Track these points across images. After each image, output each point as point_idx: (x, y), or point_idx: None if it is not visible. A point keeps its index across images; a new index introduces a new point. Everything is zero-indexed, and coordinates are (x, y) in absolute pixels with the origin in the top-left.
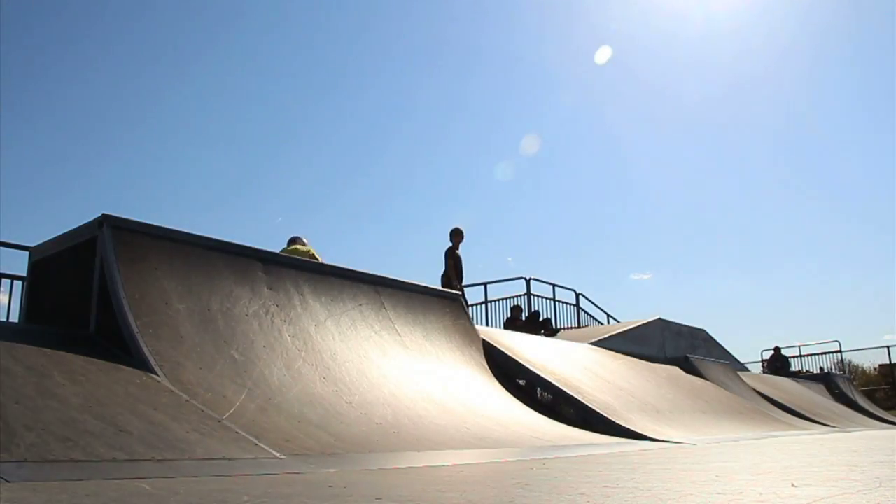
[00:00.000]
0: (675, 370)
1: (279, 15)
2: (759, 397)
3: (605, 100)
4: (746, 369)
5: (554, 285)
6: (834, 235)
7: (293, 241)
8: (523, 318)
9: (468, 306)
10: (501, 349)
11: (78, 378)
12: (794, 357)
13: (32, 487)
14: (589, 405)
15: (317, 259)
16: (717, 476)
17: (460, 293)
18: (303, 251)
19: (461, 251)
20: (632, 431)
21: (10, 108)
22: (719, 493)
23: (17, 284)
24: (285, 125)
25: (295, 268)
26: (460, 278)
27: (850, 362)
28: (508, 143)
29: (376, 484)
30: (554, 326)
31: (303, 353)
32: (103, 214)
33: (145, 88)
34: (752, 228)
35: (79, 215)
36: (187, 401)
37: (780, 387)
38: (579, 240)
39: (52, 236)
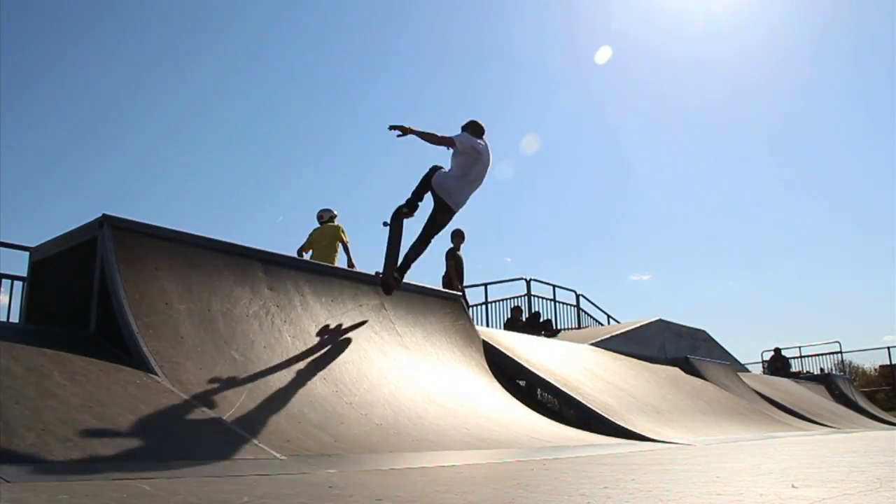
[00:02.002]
0: (676, 371)
1: (280, 15)
2: (759, 398)
3: (605, 100)
4: (747, 370)
5: (554, 286)
6: (834, 236)
7: (320, 215)
8: (524, 319)
9: (468, 307)
10: (502, 350)
11: (78, 378)
12: (794, 358)
13: (33, 488)
14: (589, 406)
15: (339, 234)
16: (717, 477)
17: (461, 294)
18: (327, 229)
19: (462, 252)
20: (632, 432)
21: (10, 108)
22: (720, 494)
23: (18, 285)
24: (286, 125)
25: (295, 268)
26: (461, 279)
27: (850, 363)
28: (508, 143)
29: (377, 485)
30: (554, 327)
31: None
32: (103, 215)
33: (145, 89)
34: (752, 229)
35: (79, 215)
36: (187, 401)
37: (781, 388)
38: (579, 240)
39: (53, 237)
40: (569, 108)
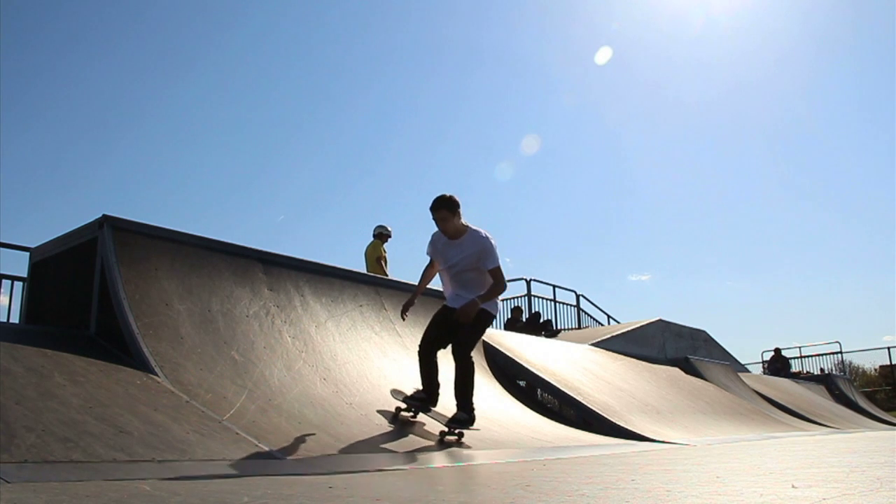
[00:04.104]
0: (676, 371)
1: (280, 15)
2: (759, 398)
3: (605, 100)
4: (747, 370)
5: (554, 286)
6: (834, 236)
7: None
8: (524, 320)
9: None
10: (502, 350)
11: (78, 379)
12: (794, 358)
13: (33, 488)
14: (589, 406)
15: (374, 257)
16: (717, 477)
17: None
18: (369, 246)
19: None
20: (632, 432)
21: (10, 109)
22: (720, 494)
23: (18, 285)
24: (286, 125)
25: (295, 269)
26: None
27: (850, 363)
28: (508, 143)
29: (377, 484)
30: (554, 327)
31: (303, 354)
32: (104, 215)
33: (146, 89)
34: (752, 229)
35: (79, 216)
36: (188, 402)
37: (781, 388)
38: (579, 240)
39: (53, 237)
40: (569, 108)
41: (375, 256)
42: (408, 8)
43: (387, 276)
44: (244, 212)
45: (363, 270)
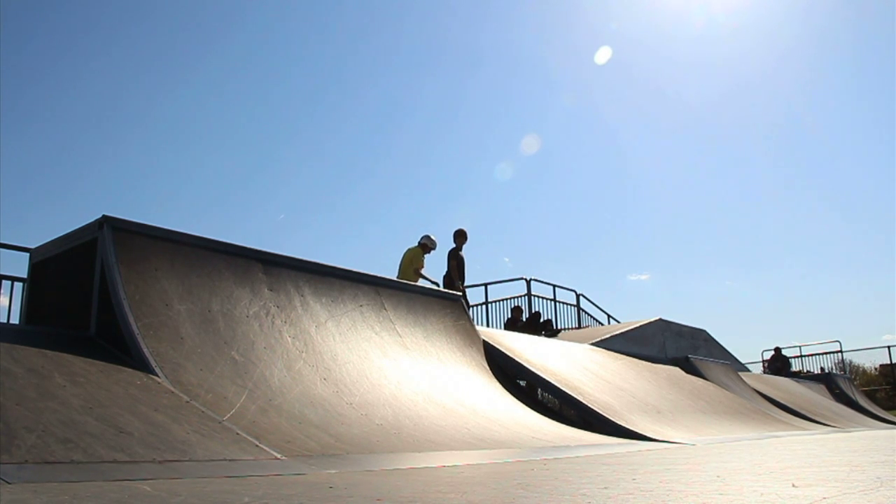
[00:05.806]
0: (676, 371)
1: (280, 15)
2: (759, 397)
3: (605, 100)
4: (747, 369)
5: (554, 286)
6: (834, 235)
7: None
8: (524, 319)
9: (469, 307)
10: (502, 350)
11: (78, 379)
12: (794, 357)
13: (33, 489)
14: (590, 406)
15: (412, 267)
16: (718, 476)
17: (461, 294)
18: (406, 253)
19: (463, 252)
20: (632, 432)
21: (10, 108)
22: (720, 494)
23: (18, 286)
24: (286, 124)
25: (295, 268)
26: (462, 279)
27: (850, 362)
28: (508, 143)
29: (377, 485)
30: (554, 327)
31: (303, 354)
32: (104, 216)
33: (146, 88)
34: (751, 228)
35: (79, 216)
36: (188, 402)
37: (781, 387)
38: (579, 240)
39: (53, 238)
40: (569, 108)
41: (414, 267)
42: (407, 8)
43: (436, 284)
44: (244, 212)
45: (364, 270)
